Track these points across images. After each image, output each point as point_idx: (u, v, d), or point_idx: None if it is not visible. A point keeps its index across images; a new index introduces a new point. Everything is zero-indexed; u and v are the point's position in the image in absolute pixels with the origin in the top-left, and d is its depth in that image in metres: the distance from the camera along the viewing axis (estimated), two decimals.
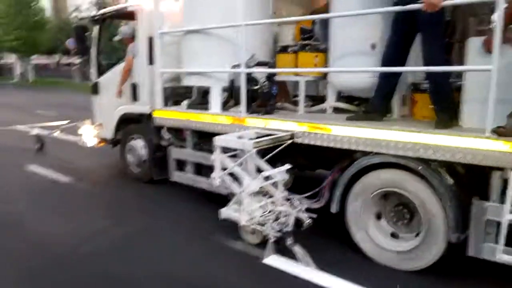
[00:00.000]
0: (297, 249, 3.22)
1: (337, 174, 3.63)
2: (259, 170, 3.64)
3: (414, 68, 3.37)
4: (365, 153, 3.25)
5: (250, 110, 4.11)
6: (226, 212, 3.63)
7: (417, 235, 3.12)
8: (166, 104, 5.00)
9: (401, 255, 3.14)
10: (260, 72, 4.15)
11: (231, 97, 4.51)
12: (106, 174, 6.22)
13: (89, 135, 6.24)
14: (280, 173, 3.59)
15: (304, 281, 3.00)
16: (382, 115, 3.46)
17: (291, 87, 5.04)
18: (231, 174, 3.67)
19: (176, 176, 4.89)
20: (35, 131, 7.58)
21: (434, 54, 3.06)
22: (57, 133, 7.38)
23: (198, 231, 3.98)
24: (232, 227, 3.64)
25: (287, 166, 3.62)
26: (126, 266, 3.32)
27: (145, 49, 5.15)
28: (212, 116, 4.35)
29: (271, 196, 3.63)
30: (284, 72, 4.32)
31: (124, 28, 5.69)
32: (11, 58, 33.92)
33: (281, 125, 3.77)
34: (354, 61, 3.67)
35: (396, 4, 3.22)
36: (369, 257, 3.32)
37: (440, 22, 3.11)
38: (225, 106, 4.53)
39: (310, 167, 4.67)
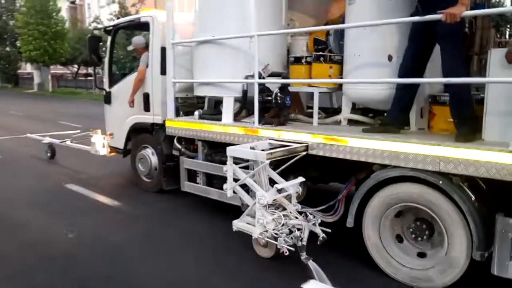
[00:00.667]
0: (312, 264, 3.11)
1: (353, 187, 3.55)
2: (272, 182, 3.58)
3: (434, 79, 3.29)
4: (382, 166, 3.17)
5: (263, 121, 4.07)
6: (238, 224, 3.56)
7: (439, 250, 3.01)
8: (177, 114, 4.98)
9: (421, 271, 3.03)
10: (274, 83, 4.11)
11: (243, 108, 4.48)
12: (116, 183, 6.20)
13: (101, 144, 6.25)
14: (294, 185, 3.51)
15: None
16: (400, 128, 3.38)
17: (304, 99, 5.00)
18: (244, 186, 3.61)
19: (187, 186, 4.84)
20: (47, 140, 7.64)
21: (454, 65, 2.99)
22: (68, 142, 7.40)
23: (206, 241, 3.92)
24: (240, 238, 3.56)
25: (301, 179, 3.54)
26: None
27: (158, 59, 5.16)
28: (224, 127, 4.31)
29: (284, 209, 3.55)
30: (298, 83, 4.27)
31: (136, 38, 5.72)
32: (29, 68, 34.05)
33: (295, 136, 3.70)
34: (370, 72, 3.60)
35: (414, 14, 3.16)
36: (386, 274, 3.20)
37: (459, 33, 3.04)
38: (237, 116, 4.49)
39: (323, 180, 4.58)
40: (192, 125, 4.65)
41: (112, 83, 6.01)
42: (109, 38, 5.93)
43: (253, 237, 3.47)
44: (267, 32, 4.06)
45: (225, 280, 3.26)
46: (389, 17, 3.27)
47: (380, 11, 3.47)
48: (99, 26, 20.43)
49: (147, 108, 5.37)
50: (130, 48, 5.76)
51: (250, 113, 4.35)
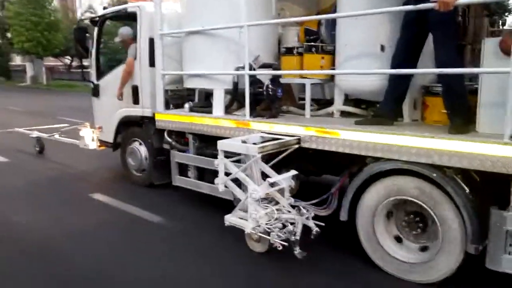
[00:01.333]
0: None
1: (346, 181, 3.51)
2: (264, 176, 3.53)
3: (426, 70, 3.23)
4: (375, 159, 3.12)
5: (255, 113, 4.00)
6: (231, 218, 3.51)
7: (427, 247, 2.99)
8: (167, 107, 4.89)
9: (414, 266, 3.01)
10: (265, 74, 4.03)
11: (234, 100, 4.40)
12: (106, 177, 6.11)
13: (90, 138, 6.14)
14: (286, 179, 3.46)
15: None
16: (393, 120, 3.33)
17: (296, 90, 4.93)
18: (236, 180, 3.55)
19: (178, 180, 4.77)
20: (35, 134, 7.49)
21: (447, 55, 2.93)
22: (57, 136, 7.27)
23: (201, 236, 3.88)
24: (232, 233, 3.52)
25: (293, 172, 3.49)
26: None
27: (146, 50, 5.04)
28: (215, 120, 4.23)
29: (277, 203, 3.51)
30: (290, 74, 4.19)
31: (124, 29, 5.58)
32: (18, 60, 32.66)
33: (287, 129, 3.64)
34: (362, 63, 3.53)
35: (406, 3, 3.09)
36: (380, 268, 3.18)
37: (453, 22, 2.98)
38: (228, 109, 4.41)
39: (316, 173, 4.55)
40: (182, 118, 4.57)
41: (99, 75, 5.87)
42: (96, 29, 5.77)
43: (245, 232, 3.43)
44: (257, 22, 3.96)
45: (219, 276, 3.22)
46: (381, 7, 3.18)
47: (372, 0, 3.39)
48: (86, 16, 19.91)
49: (136, 100, 5.26)
50: (117, 39, 5.62)
51: (241, 105, 4.28)
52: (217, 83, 4.34)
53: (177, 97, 5.09)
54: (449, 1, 2.66)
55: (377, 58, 3.45)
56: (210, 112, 4.38)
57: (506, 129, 2.53)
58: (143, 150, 5.37)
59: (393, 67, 3.23)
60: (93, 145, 6.20)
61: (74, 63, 27.04)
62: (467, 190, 2.77)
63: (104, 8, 5.83)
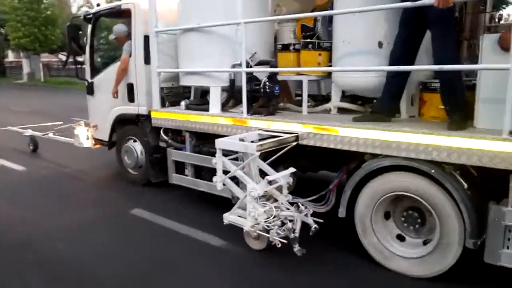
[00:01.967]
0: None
1: (344, 177, 3.51)
2: (262, 173, 3.52)
3: (425, 66, 3.22)
4: (374, 156, 3.13)
5: (252, 111, 3.98)
6: (230, 217, 3.50)
7: (429, 240, 3.00)
8: (163, 104, 4.86)
9: (413, 261, 3.03)
10: (261, 72, 4.01)
11: (231, 98, 4.37)
12: (101, 175, 6.07)
13: (85, 136, 6.08)
14: (285, 176, 3.46)
15: None
16: (391, 116, 3.33)
17: (292, 86, 4.92)
18: (234, 177, 3.54)
19: (175, 178, 4.74)
20: (28, 132, 7.42)
21: (445, 51, 2.93)
22: (51, 134, 7.20)
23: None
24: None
25: (292, 169, 3.49)
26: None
27: (141, 48, 4.99)
28: (212, 117, 4.21)
29: (275, 200, 3.50)
30: (287, 71, 4.17)
31: (118, 26, 5.51)
32: (11, 57, 31.61)
33: (284, 126, 3.63)
34: (360, 59, 3.53)
35: (404, 0, 3.08)
36: (379, 263, 3.20)
37: (451, 18, 2.98)
38: (225, 106, 4.39)
39: (312, 169, 4.55)
40: (178, 116, 4.53)
41: (94, 73, 5.81)
42: (90, 27, 5.70)
43: (244, 230, 3.42)
44: (254, 19, 3.94)
45: (216, 275, 3.21)
46: (379, 3, 3.18)
47: None
48: (82, 10, 19.44)
49: (131, 98, 5.22)
50: (111, 37, 5.56)
51: (238, 103, 4.26)
52: (213, 80, 4.32)
53: (173, 94, 5.06)
54: None
55: (375, 54, 3.44)
56: (207, 110, 4.36)
57: (505, 125, 2.54)
58: (139, 148, 5.33)
59: (391, 63, 3.23)
60: (88, 143, 6.15)
61: (71, 59, 26.01)
62: (466, 186, 2.79)
63: (98, 5, 5.74)
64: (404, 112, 3.52)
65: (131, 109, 5.24)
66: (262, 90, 3.90)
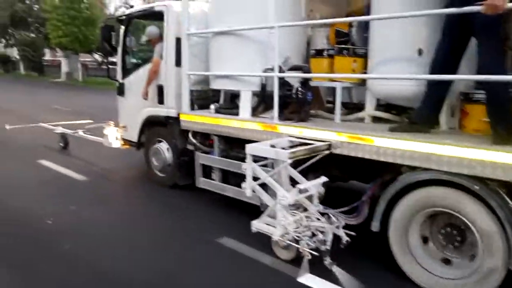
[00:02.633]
0: (337, 270, 2.99)
1: (378, 189, 3.38)
2: (292, 181, 3.45)
3: (471, 76, 3.05)
4: (411, 168, 3.00)
5: (283, 116, 3.91)
6: (258, 224, 3.44)
7: (472, 259, 2.85)
8: (192, 107, 4.85)
9: (453, 282, 2.87)
10: (294, 77, 3.93)
11: (261, 102, 4.31)
12: (128, 175, 6.12)
13: (114, 136, 6.16)
14: (316, 185, 3.37)
15: None
16: (430, 127, 3.19)
17: (323, 94, 4.81)
18: (262, 184, 3.47)
19: (203, 182, 4.72)
20: (59, 130, 7.58)
21: (492, 61, 2.77)
22: (81, 132, 7.33)
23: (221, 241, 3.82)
24: (258, 239, 3.44)
25: (324, 178, 3.39)
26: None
27: (173, 50, 5.00)
28: (242, 122, 4.16)
29: (305, 210, 3.41)
30: (321, 77, 4.08)
31: (151, 28, 5.56)
32: (51, 55, 32.02)
33: (317, 134, 3.54)
34: (398, 67, 3.40)
35: (448, 5, 2.94)
36: (414, 282, 3.05)
37: (499, 26, 2.81)
38: (254, 111, 4.33)
39: (343, 179, 4.42)
40: (208, 120, 4.51)
41: (125, 74, 5.87)
42: (122, 28, 5.77)
43: (273, 239, 3.35)
44: (288, 23, 3.87)
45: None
46: (419, 8, 3.05)
47: (410, 1, 3.25)
48: (120, 11, 19.44)
49: (161, 100, 5.23)
50: (144, 38, 5.60)
51: (268, 108, 4.19)
52: (244, 84, 4.27)
53: (202, 98, 5.04)
54: (498, 4, 2.51)
55: (414, 62, 3.30)
56: (236, 114, 4.31)
57: None
58: (167, 151, 5.34)
59: (432, 72, 3.09)
60: (117, 143, 6.22)
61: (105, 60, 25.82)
62: (511, 204, 2.63)
63: (131, 6, 5.81)
64: (444, 124, 3.36)
65: (160, 111, 5.26)
66: (294, 96, 3.82)
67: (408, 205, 3.02)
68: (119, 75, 5.96)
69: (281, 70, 3.85)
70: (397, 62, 3.40)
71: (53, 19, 24.43)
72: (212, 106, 4.62)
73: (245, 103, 4.28)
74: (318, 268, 3.09)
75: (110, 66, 6.30)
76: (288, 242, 3.21)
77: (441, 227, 3.02)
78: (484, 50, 2.84)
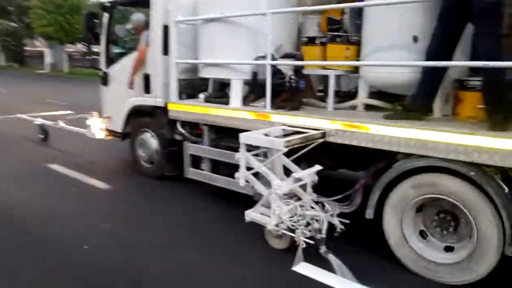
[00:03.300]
0: (332, 258, 2.96)
1: (371, 177, 3.36)
2: (285, 170, 3.39)
3: (467, 62, 3.06)
4: (406, 155, 2.98)
5: (275, 105, 3.84)
6: (252, 214, 3.37)
7: (465, 245, 2.86)
8: (180, 97, 4.72)
9: (446, 267, 2.88)
10: (287, 65, 3.87)
11: (252, 91, 4.23)
12: (112, 167, 5.96)
13: (97, 127, 5.97)
14: (310, 174, 3.33)
15: None
16: (425, 114, 3.18)
17: (314, 82, 4.76)
18: (256, 174, 3.41)
19: (192, 173, 4.62)
20: (39, 121, 7.32)
21: (490, 47, 2.76)
22: (62, 123, 7.09)
23: (213, 230, 3.75)
24: (251, 229, 3.39)
25: (318, 167, 3.35)
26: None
27: (160, 38, 4.85)
28: (233, 111, 4.07)
29: (298, 199, 3.37)
30: (315, 65, 4.02)
31: (136, 15, 5.38)
32: (32, 46, 30.61)
33: (311, 122, 3.49)
34: (392, 54, 3.36)
35: None
36: (408, 268, 3.05)
37: (498, 12, 2.80)
38: (245, 100, 4.25)
39: (332, 167, 4.40)
40: (197, 109, 4.41)
41: (109, 63, 5.69)
42: (106, 15, 5.57)
43: (266, 228, 3.30)
44: (280, 9, 3.79)
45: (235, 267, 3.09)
46: None
47: None
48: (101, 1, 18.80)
49: (147, 90, 5.09)
50: (128, 26, 5.43)
51: (259, 97, 4.11)
52: (235, 73, 4.18)
53: (190, 87, 4.92)
54: None
55: (409, 49, 3.27)
56: (226, 103, 4.22)
57: None
58: (153, 141, 5.21)
59: (428, 58, 3.07)
60: (100, 134, 6.04)
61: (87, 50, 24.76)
62: (507, 190, 2.64)
63: None
64: (438, 111, 3.35)
65: (147, 100, 5.12)
66: (287, 84, 3.76)
67: (402, 192, 3.01)
68: (102, 64, 5.77)
69: (273, 58, 3.78)
70: (392, 49, 3.36)
71: (36, 7, 23.18)
72: (201, 95, 4.51)
73: (236, 92, 4.20)
74: (312, 257, 3.06)
75: (95, 57, 6.09)
76: (283, 231, 3.16)
77: (435, 213, 3.03)
78: (482, 36, 2.82)
